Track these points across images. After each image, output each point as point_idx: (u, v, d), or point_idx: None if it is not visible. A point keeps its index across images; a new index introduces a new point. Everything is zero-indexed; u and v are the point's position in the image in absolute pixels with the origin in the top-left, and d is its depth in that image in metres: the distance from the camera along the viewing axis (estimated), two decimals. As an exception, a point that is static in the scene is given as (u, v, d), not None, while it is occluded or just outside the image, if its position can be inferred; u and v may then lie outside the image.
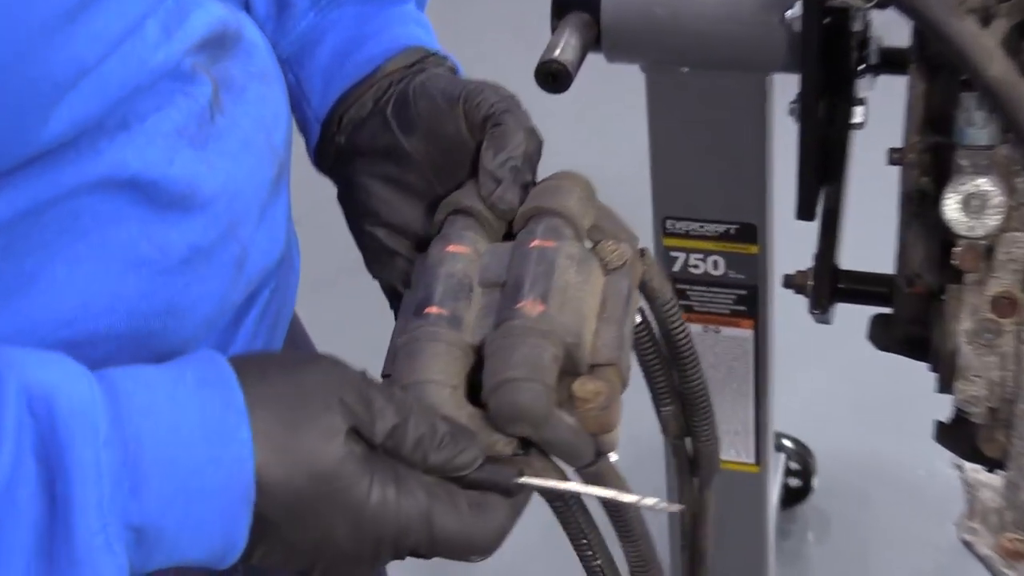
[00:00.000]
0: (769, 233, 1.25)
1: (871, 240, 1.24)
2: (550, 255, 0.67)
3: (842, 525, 1.95)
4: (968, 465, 0.99)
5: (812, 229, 1.13)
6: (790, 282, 1.15)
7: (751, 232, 1.25)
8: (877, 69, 1.08)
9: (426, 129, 0.74)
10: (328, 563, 0.60)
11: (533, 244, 0.68)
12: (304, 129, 0.81)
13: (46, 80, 0.54)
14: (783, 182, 1.19)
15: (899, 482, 1.97)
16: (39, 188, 0.57)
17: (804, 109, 1.05)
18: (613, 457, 0.66)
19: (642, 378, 0.78)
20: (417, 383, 0.63)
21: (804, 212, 1.10)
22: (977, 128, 0.87)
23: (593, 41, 1.09)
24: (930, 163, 0.93)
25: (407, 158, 0.74)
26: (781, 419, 1.63)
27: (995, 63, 0.82)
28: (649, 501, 0.66)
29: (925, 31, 0.88)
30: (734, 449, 1.42)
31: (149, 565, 0.56)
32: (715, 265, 1.28)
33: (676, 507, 0.70)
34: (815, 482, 1.94)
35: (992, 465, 0.97)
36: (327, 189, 0.82)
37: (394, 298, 0.75)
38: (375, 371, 0.65)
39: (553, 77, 1.04)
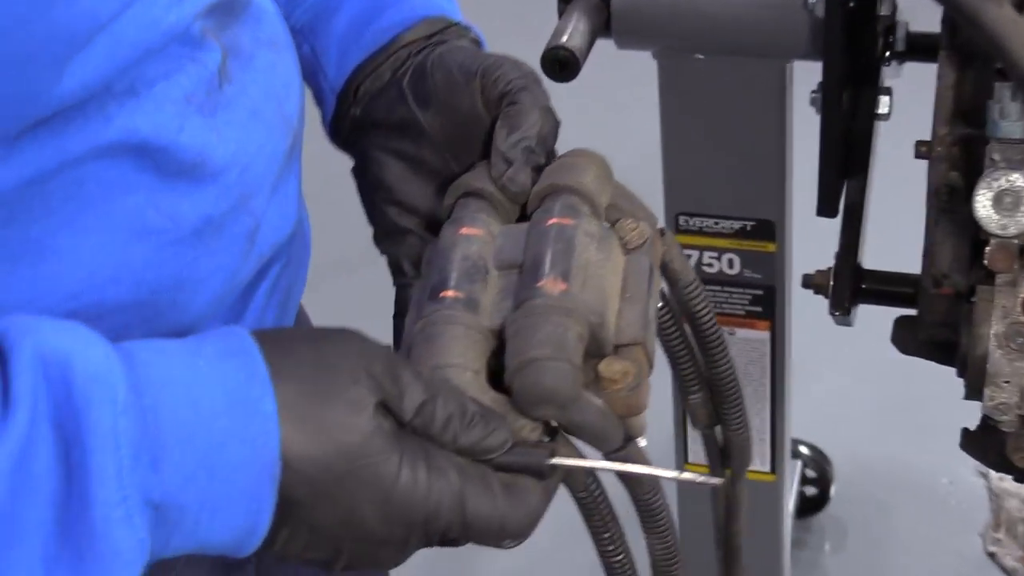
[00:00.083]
0: (787, 230, 1.25)
1: (896, 238, 1.25)
2: (569, 232, 0.66)
3: (861, 535, 1.94)
4: (993, 473, 0.98)
5: (833, 226, 1.13)
6: (809, 282, 1.14)
7: (768, 229, 1.24)
8: (904, 56, 1.08)
9: (442, 103, 0.75)
10: (354, 550, 0.59)
11: (551, 222, 0.67)
12: (320, 101, 0.81)
13: (61, 34, 0.54)
14: (803, 176, 1.20)
15: (920, 490, 1.99)
16: (45, 155, 0.57)
17: (827, 99, 1.04)
18: (642, 442, 0.66)
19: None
20: (437, 367, 0.62)
21: (825, 208, 1.09)
22: (1011, 121, 0.85)
23: (602, 26, 1.08)
24: (960, 157, 0.91)
25: (422, 133, 0.75)
26: (798, 425, 1.63)
27: (1033, 51, 0.82)
28: (688, 475, 0.67)
29: (956, 17, 0.86)
30: (748, 456, 1.42)
31: (168, 549, 0.55)
32: (730, 264, 1.27)
33: (717, 480, 0.71)
34: (833, 491, 1.95)
35: (1021, 475, 0.96)
36: (335, 166, 0.81)
37: (399, 274, 0.76)
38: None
39: (561, 65, 1.02)
